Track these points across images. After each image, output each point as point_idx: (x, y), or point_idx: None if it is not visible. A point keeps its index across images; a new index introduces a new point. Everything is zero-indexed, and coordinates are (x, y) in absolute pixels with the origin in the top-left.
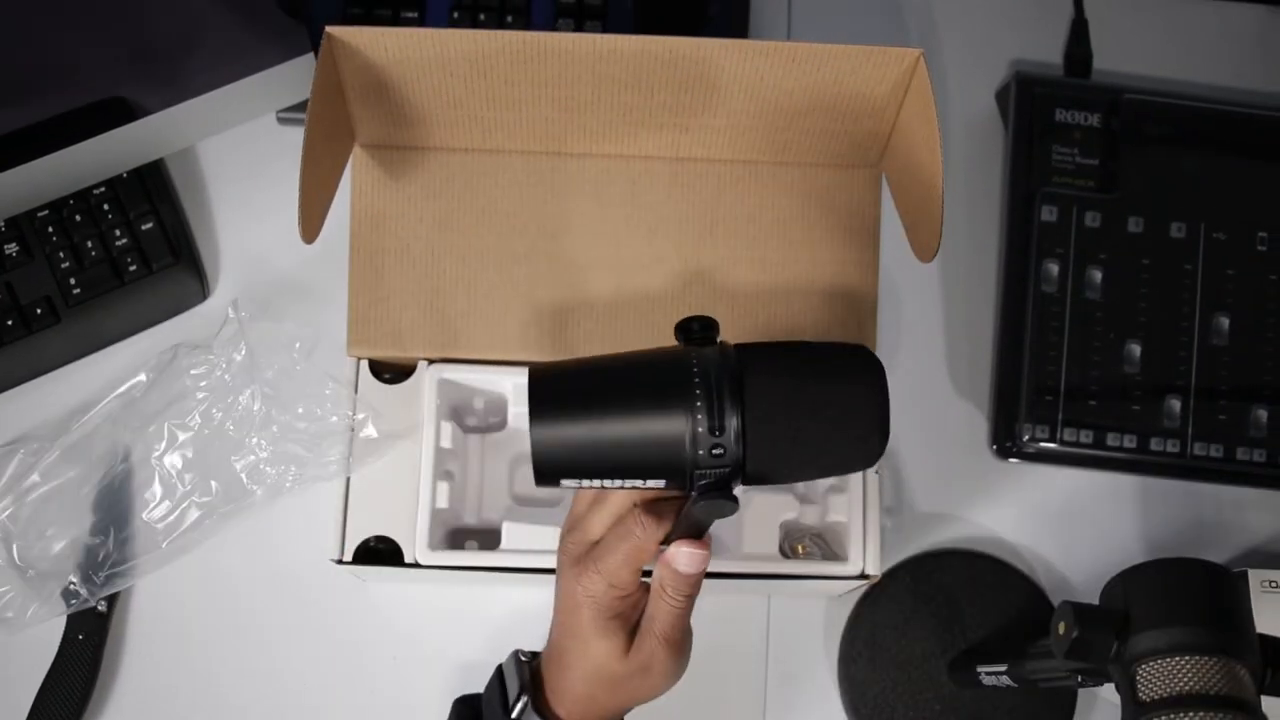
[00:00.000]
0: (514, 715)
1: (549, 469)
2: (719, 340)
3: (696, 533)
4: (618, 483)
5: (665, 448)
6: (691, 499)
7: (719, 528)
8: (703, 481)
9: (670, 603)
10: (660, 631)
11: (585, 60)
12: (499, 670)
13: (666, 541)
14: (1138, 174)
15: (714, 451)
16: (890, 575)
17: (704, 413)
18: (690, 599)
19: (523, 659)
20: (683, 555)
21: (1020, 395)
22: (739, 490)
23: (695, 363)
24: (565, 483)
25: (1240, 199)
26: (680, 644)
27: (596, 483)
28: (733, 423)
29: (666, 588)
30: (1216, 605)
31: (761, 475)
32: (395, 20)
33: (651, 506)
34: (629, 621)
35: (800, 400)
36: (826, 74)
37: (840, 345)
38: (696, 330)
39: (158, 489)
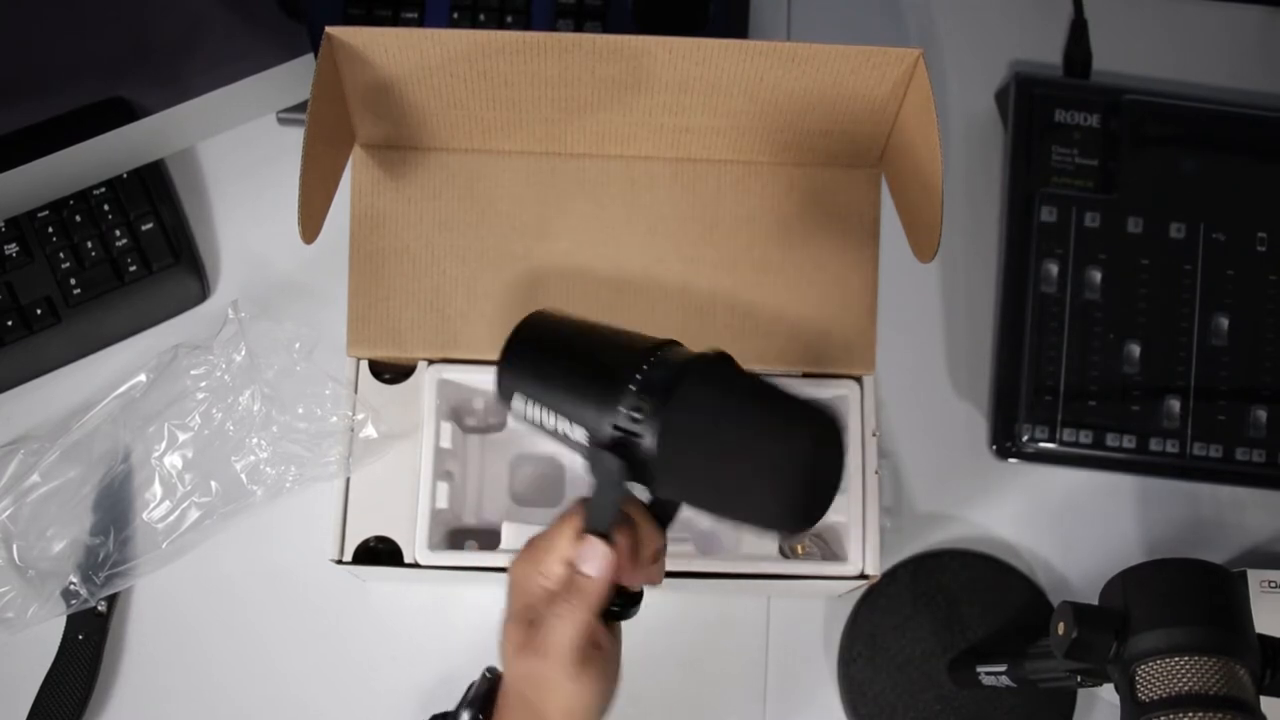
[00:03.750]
0: None
1: (508, 384)
2: (711, 351)
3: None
4: (551, 416)
5: (597, 398)
6: (588, 451)
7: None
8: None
9: (559, 614)
10: (547, 645)
11: (585, 60)
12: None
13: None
14: (1137, 174)
15: (633, 417)
16: (890, 575)
17: (636, 391)
18: (584, 612)
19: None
20: (586, 550)
21: (1020, 395)
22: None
23: (658, 351)
24: (514, 404)
25: (1240, 199)
26: (568, 661)
27: (536, 410)
28: (654, 414)
29: (561, 593)
30: (1216, 605)
31: (664, 480)
32: (395, 20)
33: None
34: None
35: (721, 426)
36: (826, 74)
37: (806, 402)
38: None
39: (158, 489)
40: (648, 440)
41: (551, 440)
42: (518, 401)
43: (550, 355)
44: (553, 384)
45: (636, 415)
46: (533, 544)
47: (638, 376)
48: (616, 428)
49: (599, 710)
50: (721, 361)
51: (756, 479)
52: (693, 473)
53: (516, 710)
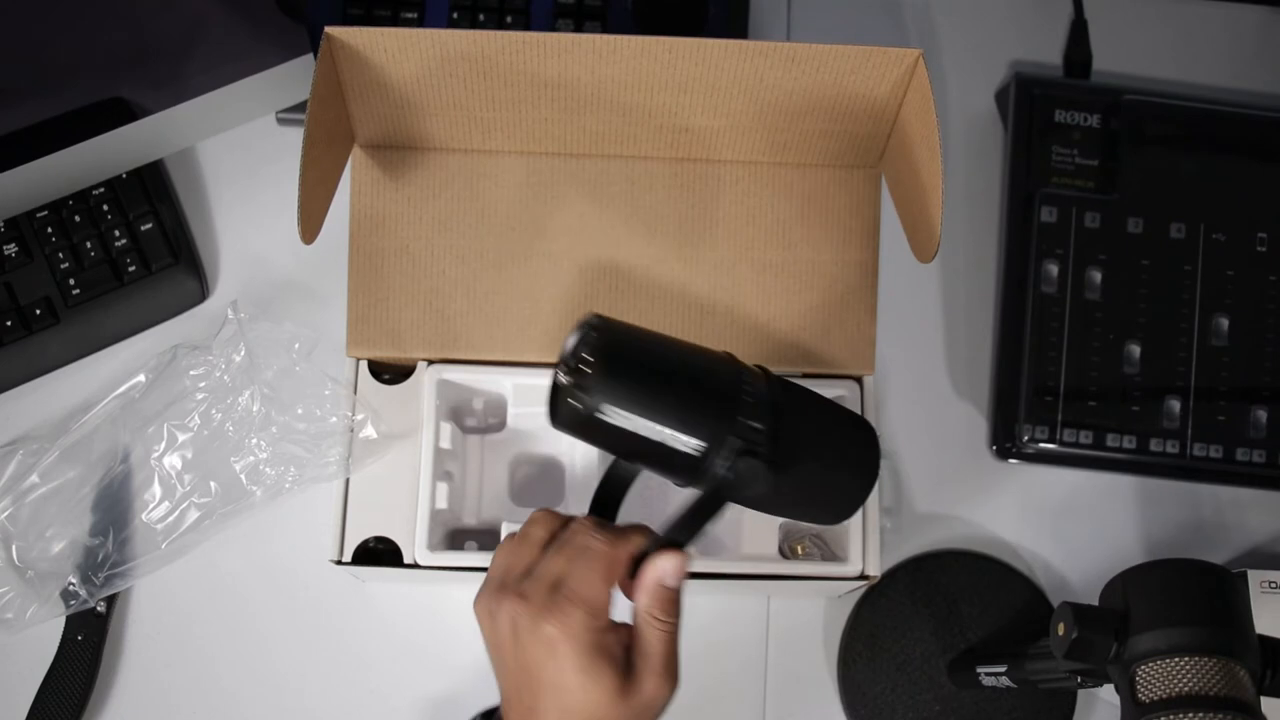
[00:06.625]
0: None
1: (601, 392)
2: (757, 366)
3: (674, 544)
4: (654, 427)
5: (715, 411)
6: (713, 475)
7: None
8: (732, 459)
9: (663, 628)
10: (659, 665)
11: (585, 60)
12: None
13: (637, 560)
14: (1137, 175)
15: (754, 428)
16: (890, 575)
17: (752, 404)
18: (679, 619)
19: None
20: (668, 564)
21: (1020, 396)
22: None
23: (743, 374)
24: (606, 412)
25: (1240, 199)
26: (677, 675)
27: (632, 420)
28: (773, 426)
29: (655, 612)
30: (1216, 606)
31: (768, 488)
32: (395, 20)
33: (604, 527)
34: (617, 660)
35: (820, 451)
36: (826, 74)
37: (852, 415)
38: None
39: (157, 489)
40: (764, 451)
41: (632, 451)
42: (611, 412)
43: (649, 365)
44: (661, 396)
45: (757, 426)
46: (613, 545)
47: (747, 389)
48: (740, 438)
49: None
50: (778, 378)
51: (854, 480)
52: (805, 478)
53: None
